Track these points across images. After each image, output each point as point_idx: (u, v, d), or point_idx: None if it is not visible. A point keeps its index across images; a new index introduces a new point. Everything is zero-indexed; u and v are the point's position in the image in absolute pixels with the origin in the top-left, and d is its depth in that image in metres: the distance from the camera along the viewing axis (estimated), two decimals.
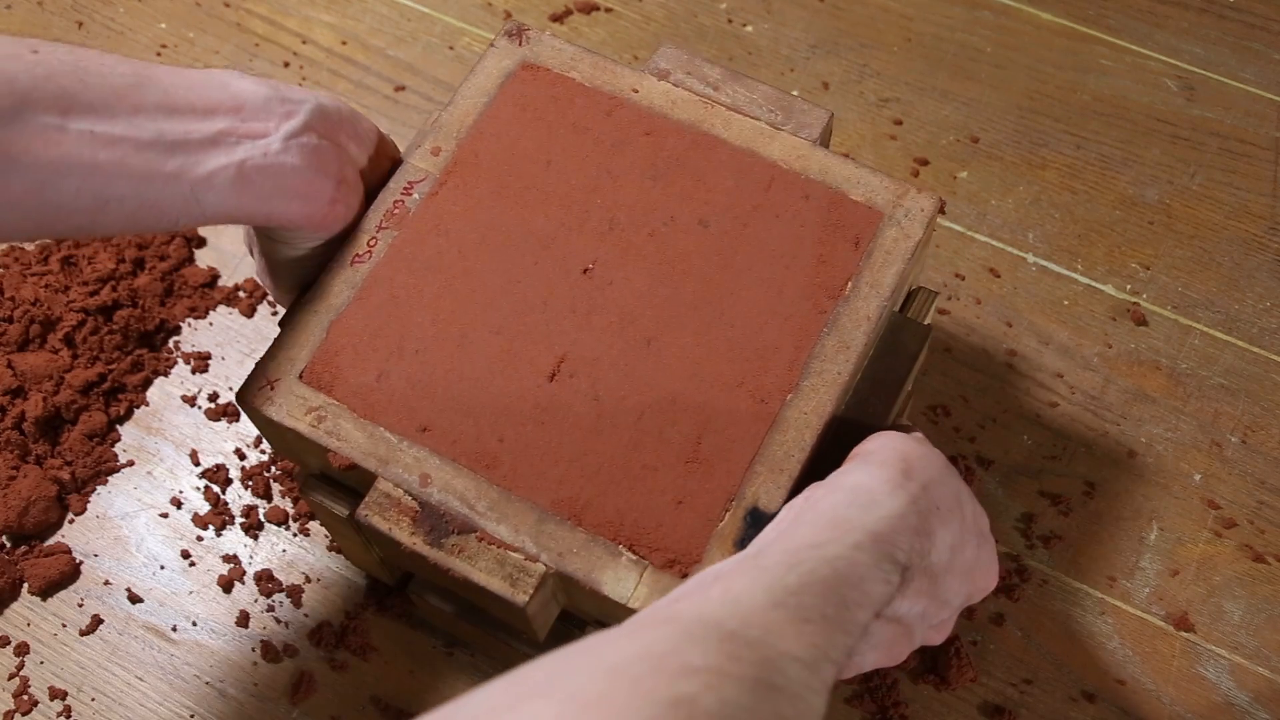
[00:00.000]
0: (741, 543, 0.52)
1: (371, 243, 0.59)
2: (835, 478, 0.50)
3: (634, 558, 0.52)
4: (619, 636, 0.40)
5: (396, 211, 0.59)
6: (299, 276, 0.60)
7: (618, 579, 0.52)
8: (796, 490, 0.53)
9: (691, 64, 0.63)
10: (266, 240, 0.59)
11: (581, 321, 0.57)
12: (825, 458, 0.54)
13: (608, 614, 0.54)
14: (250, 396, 0.56)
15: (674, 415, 0.55)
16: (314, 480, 0.61)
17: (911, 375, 0.60)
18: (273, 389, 0.56)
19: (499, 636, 0.62)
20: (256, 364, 0.57)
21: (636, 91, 0.62)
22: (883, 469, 0.49)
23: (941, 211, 0.58)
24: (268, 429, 0.57)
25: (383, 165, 0.61)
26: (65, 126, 0.48)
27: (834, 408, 0.55)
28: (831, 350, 0.56)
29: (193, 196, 0.51)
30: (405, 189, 0.60)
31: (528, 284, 0.58)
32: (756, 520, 0.52)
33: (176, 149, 0.51)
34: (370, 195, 0.60)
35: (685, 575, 0.52)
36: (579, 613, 0.57)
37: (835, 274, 0.58)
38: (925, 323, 0.61)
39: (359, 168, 0.59)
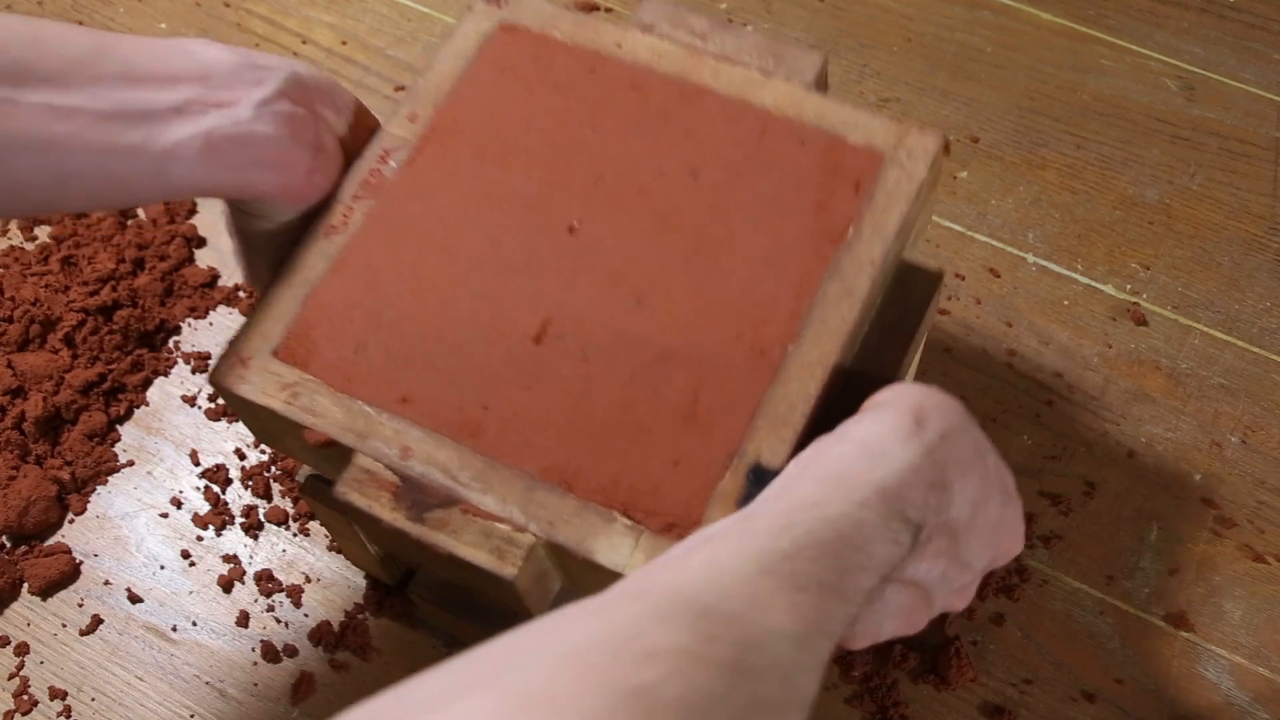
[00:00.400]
0: (744, 501, 0.49)
1: (347, 213, 0.56)
2: (844, 428, 0.47)
3: (629, 523, 0.50)
4: (583, 614, 0.36)
5: (373, 181, 0.57)
6: (276, 253, 0.58)
7: (612, 546, 0.49)
8: (803, 445, 0.49)
9: (677, 15, 0.61)
10: (241, 215, 0.57)
11: (568, 281, 0.55)
12: (834, 412, 0.51)
13: (606, 584, 0.51)
14: (222, 376, 0.54)
15: (668, 373, 0.53)
16: (314, 480, 0.61)
17: (923, 324, 0.57)
18: (245, 367, 0.54)
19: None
20: (229, 342, 0.55)
21: (620, 46, 0.60)
22: (895, 417, 0.45)
23: (946, 151, 0.57)
24: (243, 410, 0.55)
25: (362, 136, 0.59)
26: (18, 99, 0.46)
27: (839, 356, 0.52)
28: (834, 297, 0.53)
29: (157, 169, 0.49)
30: (381, 157, 0.58)
31: (510, 246, 0.56)
32: (759, 477, 0.49)
33: (139, 120, 0.49)
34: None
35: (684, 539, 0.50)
36: (579, 589, 0.55)
37: (835, 219, 0.55)
38: (937, 269, 0.59)
39: (338, 136, 0.57)
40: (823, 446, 0.46)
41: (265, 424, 0.55)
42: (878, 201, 0.55)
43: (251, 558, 0.72)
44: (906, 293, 0.57)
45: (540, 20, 0.61)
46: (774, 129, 0.58)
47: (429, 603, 0.64)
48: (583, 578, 0.52)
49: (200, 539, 0.73)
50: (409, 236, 0.56)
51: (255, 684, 0.69)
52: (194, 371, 0.78)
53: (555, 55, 0.60)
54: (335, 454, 0.53)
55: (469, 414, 0.53)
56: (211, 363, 0.78)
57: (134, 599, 0.71)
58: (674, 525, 0.50)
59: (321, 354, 0.54)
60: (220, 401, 0.77)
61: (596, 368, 0.53)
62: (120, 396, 0.77)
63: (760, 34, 0.60)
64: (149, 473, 0.75)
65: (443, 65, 0.60)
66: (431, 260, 0.56)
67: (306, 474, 0.62)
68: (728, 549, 0.40)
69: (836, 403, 0.52)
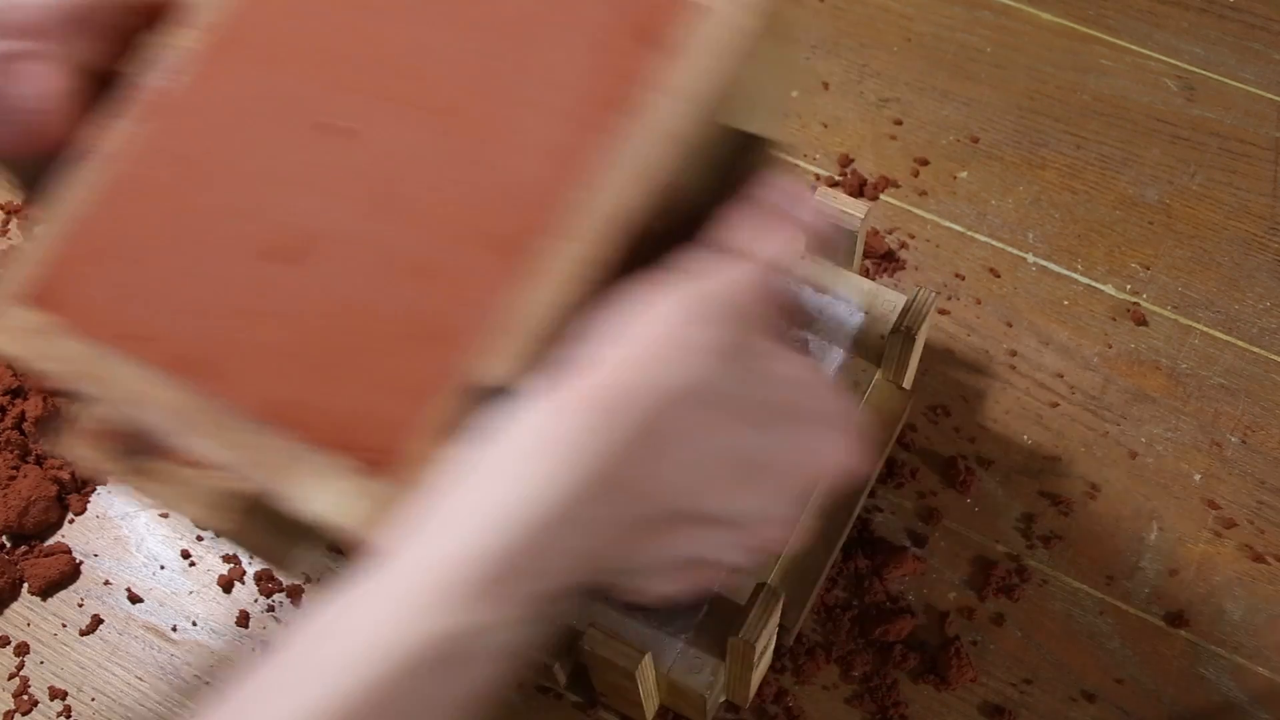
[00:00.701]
0: (456, 421, 0.42)
1: (118, 137, 0.50)
2: (501, 430, 0.39)
3: (347, 464, 0.43)
4: None
5: (151, 99, 0.51)
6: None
7: (326, 492, 0.43)
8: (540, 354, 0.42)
9: None
10: None
11: (330, 194, 0.48)
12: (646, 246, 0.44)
13: (335, 539, 0.45)
14: None
15: (414, 287, 0.46)
16: None
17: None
18: None
19: None
20: None
21: None
22: (562, 415, 0.38)
23: None
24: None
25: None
26: None
27: (611, 252, 0.43)
28: (615, 180, 0.44)
29: None
30: (162, 73, 0.51)
31: (280, 160, 0.49)
32: (481, 399, 0.42)
33: None
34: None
35: (401, 479, 0.43)
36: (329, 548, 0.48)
37: (618, 83, 0.45)
38: (777, 141, 0.49)
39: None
40: (453, 476, 0.39)
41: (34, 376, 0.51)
42: (684, 61, 0.45)
43: (252, 558, 0.72)
44: (737, 174, 0.47)
45: None
46: None
47: None
48: (319, 532, 0.46)
49: (200, 539, 0.73)
50: (183, 159, 0.50)
51: None
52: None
53: None
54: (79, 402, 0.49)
55: (203, 350, 0.47)
56: None
57: (134, 599, 0.71)
58: (383, 462, 0.44)
59: (73, 294, 0.49)
60: None
61: (339, 290, 0.47)
62: None
63: None
64: None
65: None
66: (201, 183, 0.50)
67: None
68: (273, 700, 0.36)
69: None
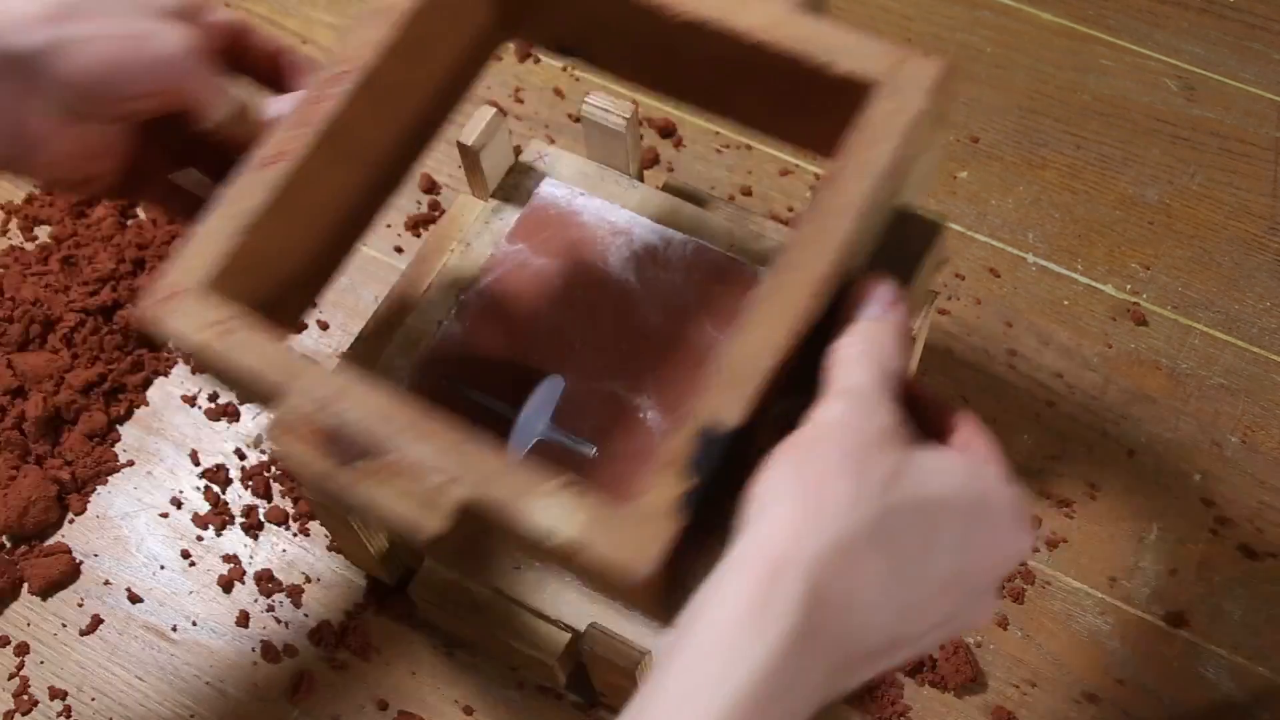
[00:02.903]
0: (694, 465, 0.44)
1: (287, 144, 0.52)
2: (692, 607, 0.40)
3: (564, 483, 0.45)
4: None
5: (319, 107, 0.53)
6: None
7: (545, 507, 0.44)
8: (764, 404, 0.45)
9: None
10: None
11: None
12: (806, 366, 0.46)
13: (537, 549, 0.47)
14: (149, 309, 0.50)
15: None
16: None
17: (915, 279, 0.51)
18: (173, 300, 0.50)
19: (500, 636, 0.62)
20: (158, 275, 0.51)
21: None
22: (744, 578, 0.39)
23: (949, 81, 0.51)
24: (178, 346, 0.51)
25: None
26: None
27: (809, 305, 0.46)
28: (807, 239, 0.47)
29: None
30: (331, 80, 0.53)
31: None
32: (710, 439, 0.44)
33: None
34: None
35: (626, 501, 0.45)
36: (521, 554, 0.50)
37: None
38: (934, 220, 0.52)
39: (79, 116, 0.52)
40: (678, 630, 0.41)
41: (200, 361, 0.52)
42: (865, 135, 0.48)
43: (251, 558, 0.72)
44: (900, 243, 0.51)
45: None
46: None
47: (429, 603, 0.64)
48: (515, 539, 0.48)
49: (200, 539, 0.73)
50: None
51: (255, 684, 0.69)
52: (194, 371, 0.78)
53: None
54: (266, 397, 0.50)
55: None
56: None
57: (134, 599, 0.71)
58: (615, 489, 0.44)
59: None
60: (220, 401, 0.77)
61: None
62: (120, 396, 0.77)
63: None
64: (149, 473, 0.75)
65: None
66: None
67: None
68: None
69: (806, 353, 0.47)
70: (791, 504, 0.40)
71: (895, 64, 0.50)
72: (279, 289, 0.54)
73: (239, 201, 0.51)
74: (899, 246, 0.51)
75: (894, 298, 0.46)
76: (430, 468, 0.46)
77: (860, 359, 0.44)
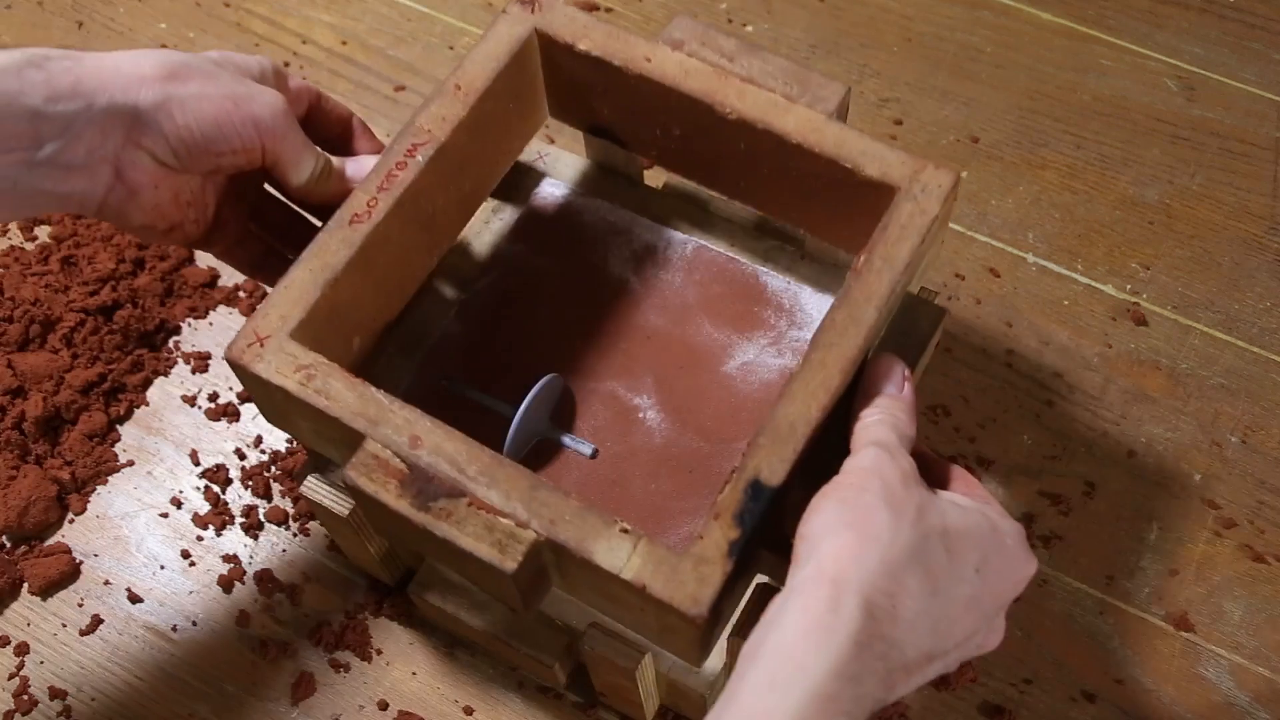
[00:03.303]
0: (740, 516, 0.50)
1: (371, 204, 0.58)
2: (769, 613, 0.47)
3: (628, 527, 0.50)
4: None
5: (398, 173, 0.59)
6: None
7: (610, 549, 0.50)
8: (802, 462, 0.51)
9: (706, 34, 0.62)
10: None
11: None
12: (831, 432, 0.54)
13: (601, 588, 0.52)
14: (238, 353, 0.55)
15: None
16: (314, 480, 0.61)
17: (923, 357, 0.59)
18: (262, 345, 0.55)
19: (500, 636, 0.62)
20: (247, 320, 0.56)
21: (649, 61, 0.61)
22: (810, 596, 0.46)
23: (957, 188, 0.58)
24: (256, 389, 0.56)
25: (330, 127, 0.63)
26: None
27: (840, 382, 0.53)
28: (841, 324, 0.54)
29: None
30: (409, 150, 0.59)
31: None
32: (757, 493, 0.51)
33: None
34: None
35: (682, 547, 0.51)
36: (573, 593, 0.55)
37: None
38: (939, 305, 0.61)
39: (173, 163, 0.57)
40: (753, 641, 0.47)
41: (279, 405, 0.56)
42: (889, 234, 0.56)
43: (251, 558, 0.72)
44: (910, 325, 0.59)
45: (572, 30, 0.62)
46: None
47: (429, 603, 0.64)
48: (578, 578, 0.53)
49: (200, 539, 0.73)
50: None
51: (255, 684, 0.69)
52: (194, 371, 0.78)
53: None
54: (343, 440, 0.54)
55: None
56: (211, 363, 0.78)
57: (134, 599, 0.71)
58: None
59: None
60: (220, 401, 0.77)
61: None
62: (120, 396, 0.77)
63: (785, 59, 0.61)
64: (149, 473, 0.75)
65: (474, 66, 0.61)
66: None
67: (303, 466, 0.63)
68: None
69: (833, 421, 0.54)
70: (846, 534, 0.47)
71: (914, 172, 0.57)
72: (348, 337, 0.59)
73: (325, 256, 0.56)
74: (909, 328, 0.60)
75: (905, 378, 0.54)
76: (504, 510, 0.51)
77: (881, 424, 0.52)
